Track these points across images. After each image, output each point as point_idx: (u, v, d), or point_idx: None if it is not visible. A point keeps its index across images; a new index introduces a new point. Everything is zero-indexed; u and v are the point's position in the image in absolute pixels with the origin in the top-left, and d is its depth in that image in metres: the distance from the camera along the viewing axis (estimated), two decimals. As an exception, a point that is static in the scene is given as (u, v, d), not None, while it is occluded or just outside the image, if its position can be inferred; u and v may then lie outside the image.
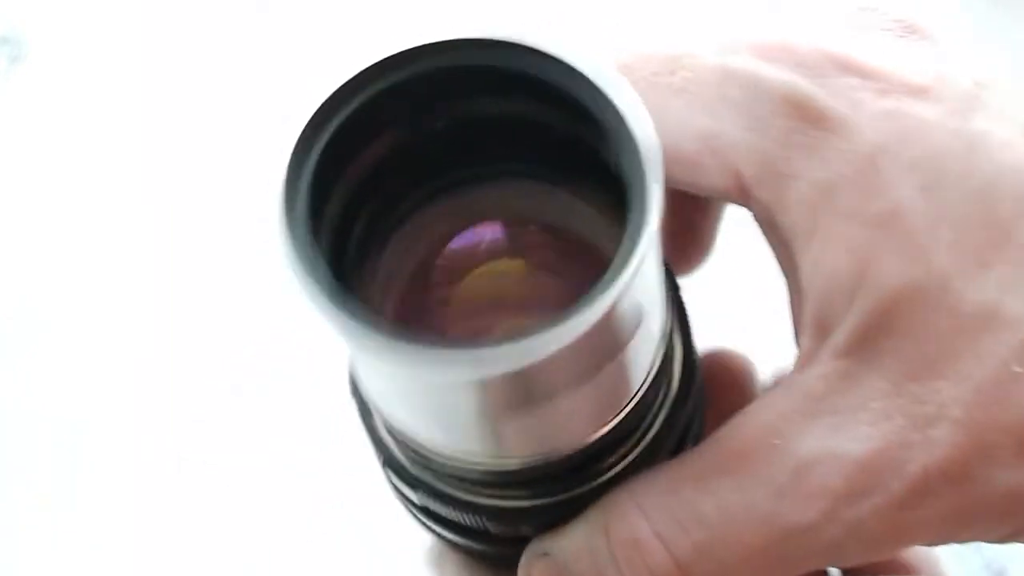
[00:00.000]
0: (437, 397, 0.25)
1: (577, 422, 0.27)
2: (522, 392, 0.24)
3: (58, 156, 0.80)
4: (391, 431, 0.29)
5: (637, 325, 0.25)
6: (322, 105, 0.26)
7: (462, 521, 0.30)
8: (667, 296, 0.28)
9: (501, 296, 0.30)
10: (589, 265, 0.28)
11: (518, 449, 0.27)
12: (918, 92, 0.28)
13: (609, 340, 0.24)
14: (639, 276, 0.23)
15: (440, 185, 0.29)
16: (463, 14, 0.79)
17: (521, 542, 0.31)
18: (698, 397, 0.31)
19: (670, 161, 0.27)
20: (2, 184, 0.80)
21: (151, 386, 0.75)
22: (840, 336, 0.27)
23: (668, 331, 0.28)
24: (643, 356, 0.27)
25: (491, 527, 0.30)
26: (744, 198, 0.29)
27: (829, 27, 0.30)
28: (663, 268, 0.26)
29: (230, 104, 0.80)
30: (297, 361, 0.74)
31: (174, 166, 0.80)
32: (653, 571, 0.28)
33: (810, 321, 0.28)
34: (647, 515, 0.28)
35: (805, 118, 0.27)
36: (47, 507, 0.73)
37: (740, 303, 0.62)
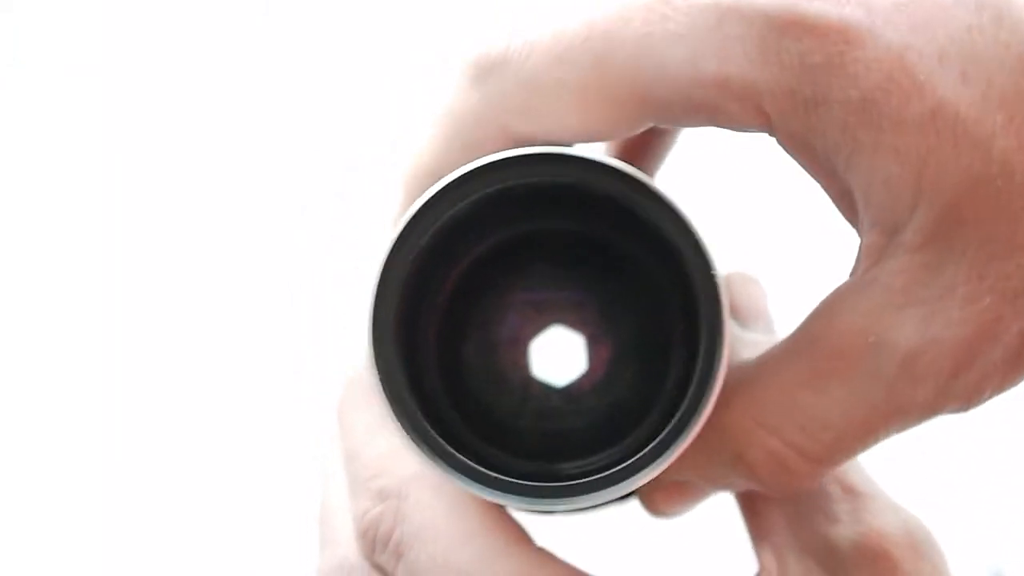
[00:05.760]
0: None
1: None
2: None
3: (57, 158, 0.80)
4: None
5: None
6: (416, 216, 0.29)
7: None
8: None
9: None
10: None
11: None
12: None
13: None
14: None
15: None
16: (462, 15, 0.79)
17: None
18: None
19: (686, 110, 0.28)
20: (1, 185, 0.80)
21: (148, 386, 0.76)
22: (911, 234, 0.27)
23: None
24: None
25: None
26: (770, 129, 0.28)
27: None
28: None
29: (230, 107, 0.80)
30: (296, 362, 0.74)
31: (174, 167, 0.80)
32: (795, 477, 0.30)
33: (873, 223, 0.28)
34: (774, 430, 0.29)
35: (817, 36, 0.26)
36: (46, 507, 0.73)
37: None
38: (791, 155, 0.29)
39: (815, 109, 0.27)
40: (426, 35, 0.80)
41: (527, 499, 0.28)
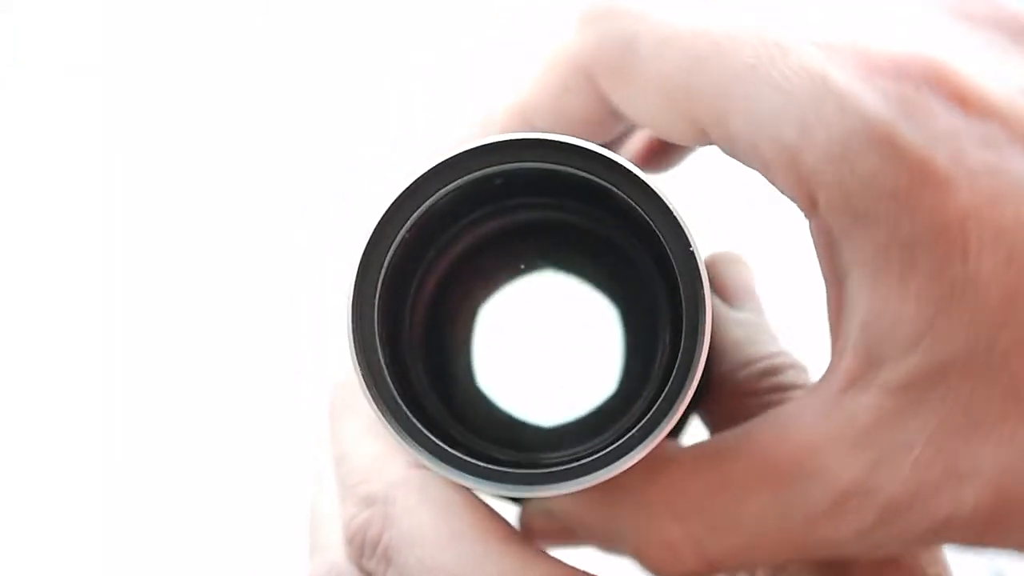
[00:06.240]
0: None
1: None
2: None
3: (57, 157, 0.80)
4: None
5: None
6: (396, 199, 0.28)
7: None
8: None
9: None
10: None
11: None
12: (1022, 140, 0.27)
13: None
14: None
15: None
16: (463, 16, 0.79)
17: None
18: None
19: (746, 152, 0.28)
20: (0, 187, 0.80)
21: (148, 385, 0.76)
22: (893, 373, 0.27)
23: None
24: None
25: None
26: (810, 213, 0.28)
27: (940, 17, 0.28)
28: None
29: (230, 107, 0.80)
30: (296, 362, 0.74)
31: (173, 168, 0.80)
32: (679, 570, 0.30)
33: (860, 347, 0.28)
34: (682, 519, 0.29)
35: (900, 163, 0.26)
36: (46, 507, 0.73)
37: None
38: (815, 244, 0.29)
39: (862, 223, 0.27)
40: (426, 35, 0.80)
41: (511, 486, 0.28)
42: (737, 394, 0.34)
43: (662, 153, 0.39)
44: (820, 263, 0.29)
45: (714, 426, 0.36)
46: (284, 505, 0.72)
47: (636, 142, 0.39)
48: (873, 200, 0.27)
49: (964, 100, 0.27)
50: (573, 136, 0.28)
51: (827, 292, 0.29)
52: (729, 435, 0.30)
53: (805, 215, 0.29)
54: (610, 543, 0.31)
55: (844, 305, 0.28)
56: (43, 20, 0.82)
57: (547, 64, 0.32)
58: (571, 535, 0.33)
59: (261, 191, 0.79)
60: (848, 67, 0.27)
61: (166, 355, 0.76)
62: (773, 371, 0.35)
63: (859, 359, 0.28)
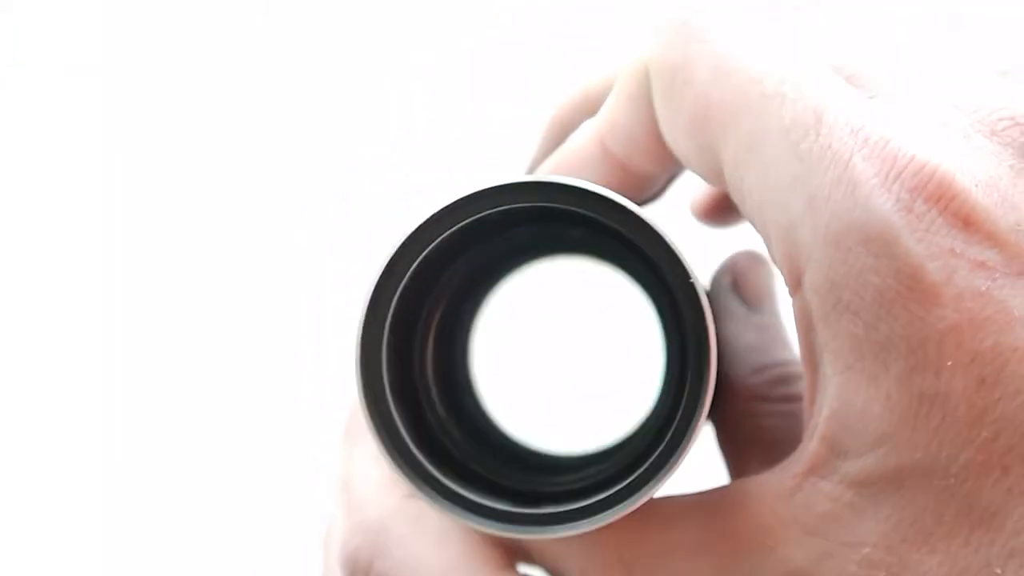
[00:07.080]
0: None
1: None
2: None
3: (57, 157, 0.80)
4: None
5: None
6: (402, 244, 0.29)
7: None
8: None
9: None
10: None
11: None
12: (1019, 274, 0.27)
13: None
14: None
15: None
16: (463, 16, 0.79)
17: None
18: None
19: (749, 209, 0.29)
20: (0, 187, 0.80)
21: (148, 385, 0.76)
22: (854, 467, 0.28)
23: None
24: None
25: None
26: (792, 290, 0.28)
27: (971, 130, 0.28)
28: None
29: (230, 107, 0.80)
30: (296, 362, 0.74)
31: (173, 168, 0.80)
32: None
33: (827, 434, 0.28)
34: (629, 568, 0.29)
35: (892, 267, 0.27)
36: (46, 507, 0.73)
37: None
38: (795, 319, 0.29)
39: (841, 312, 0.27)
40: (426, 35, 0.80)
41: (514, 528, 0.28)
42: (747, 398, 0.34)
43: (729, 207, 0.38)
44: (799, 344, 0.29)
45: (721, 427, 0.36)
46: (282, 505, 0.72)
47: (703, 193, 0.39)
48: (857, 293, 0.27)
49: (968, 222, 0.27)
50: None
51: (804, 373, 0.30)
52: (691, 497, 0.30)
53: (789, 292, 0.29)
54: (555, 571, 0.32)
55: (817, 390, 0.29)
56: (43, 20, 0.82)
57: (622, 74, 0.32)
58: (522, 552, 0.33)
59: (261, 191, 0.79)
60: (873, 162, 0.27)
61: (166, 354, 0.77)
62: (784, 380, 0.35)
63: (825, 446, 0.28)
